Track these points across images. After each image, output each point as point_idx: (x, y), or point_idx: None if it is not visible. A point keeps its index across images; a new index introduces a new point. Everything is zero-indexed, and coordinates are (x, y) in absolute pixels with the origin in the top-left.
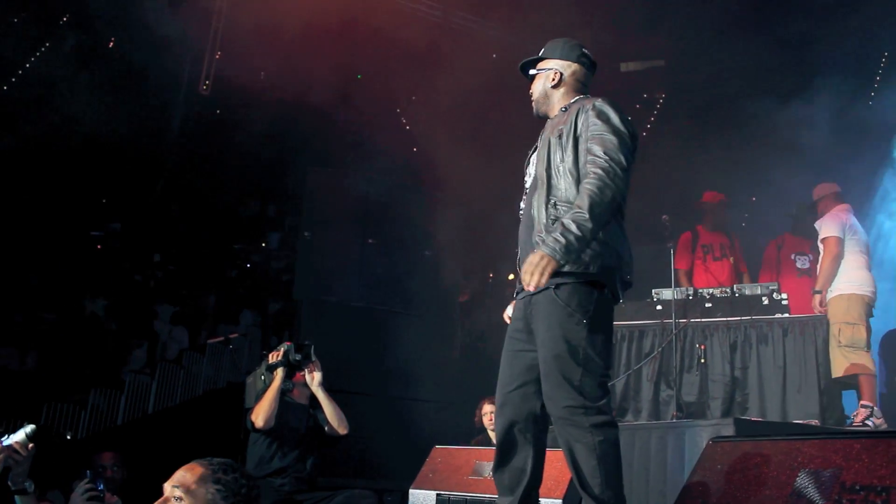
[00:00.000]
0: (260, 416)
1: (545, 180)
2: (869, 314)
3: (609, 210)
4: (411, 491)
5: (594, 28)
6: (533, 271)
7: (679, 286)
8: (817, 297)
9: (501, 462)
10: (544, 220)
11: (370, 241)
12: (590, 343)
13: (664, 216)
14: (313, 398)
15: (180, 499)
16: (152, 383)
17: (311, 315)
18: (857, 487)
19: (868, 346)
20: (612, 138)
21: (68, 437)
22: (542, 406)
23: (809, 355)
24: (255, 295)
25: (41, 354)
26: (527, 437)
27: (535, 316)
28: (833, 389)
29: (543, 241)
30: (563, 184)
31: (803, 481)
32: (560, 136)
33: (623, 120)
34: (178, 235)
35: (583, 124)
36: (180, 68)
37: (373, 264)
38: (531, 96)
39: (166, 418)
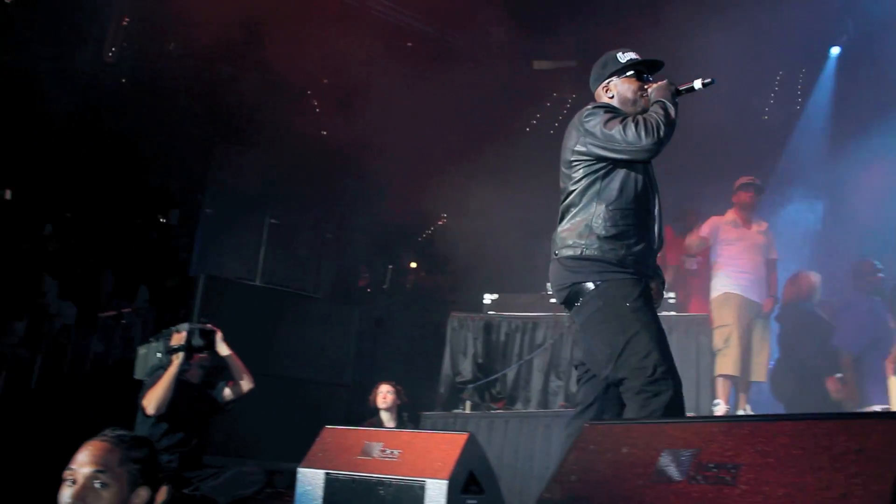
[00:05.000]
0: (153, 403)
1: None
2: None
3: None
4: (300, 469)
5: (509, 24)
6: None
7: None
8: None
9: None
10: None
11: (273, 220)
12: None
13: None
14: (205, 378)
15: (106, 484)
16: (37, 358)
17: (209, 293)
18: (712, 465)
19: None
20: None
21: None
22: None
23: (691, 352)
24: (152, 271)
25: None
26: None
27: None
28: (705, 388)
29: None
30: None
31: (666, 460)
32: None
33: None
34: (72, 207)
35: None
36: (85, 32)
37: (274, 244)
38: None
39: (51, 394)
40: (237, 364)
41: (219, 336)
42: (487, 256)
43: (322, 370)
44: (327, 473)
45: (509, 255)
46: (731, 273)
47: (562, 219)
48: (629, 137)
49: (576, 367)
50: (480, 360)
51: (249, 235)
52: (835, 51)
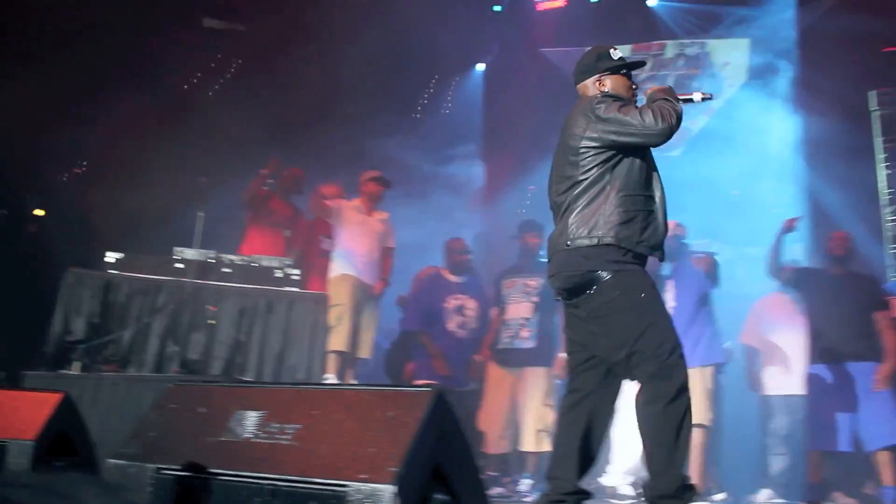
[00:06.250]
0: None
1: None
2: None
3: None
4: None
5: None
6: None
7: None
8: None
9: None
10: None
11: None
12: None
13: (202, 178)
14: None
15: None
16: None
17: None
18: (274, 425)
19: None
20: None
21: None
22: None
23: (307, 328)
24: None
25: None
26: None
27: None
28: (317, 362)
29: None
30: None
31: (236, 419)
32: None
33: None
34: None
35: None
36: None
37: None
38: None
39: None
40: None
41: None
42: (119, 213)
43: None
44: None
45: (141, 214)
46: (349, 255)
47: (568, 208)
48: (646, 122)
49: (569, 354)
50: (96, 320)
51: None
52: (480, 67)
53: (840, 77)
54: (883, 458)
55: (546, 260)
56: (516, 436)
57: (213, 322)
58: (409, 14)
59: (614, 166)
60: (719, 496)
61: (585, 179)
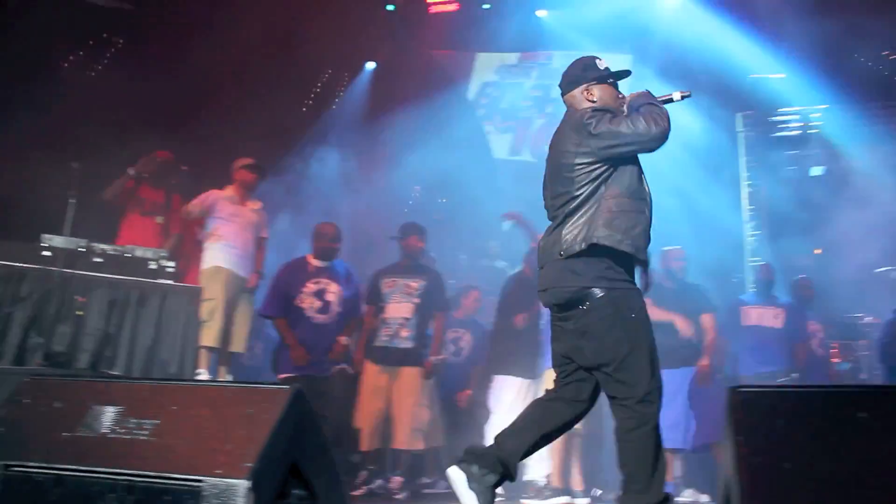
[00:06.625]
0: None
1: None
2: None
3: None
4: None
5: None
6: None
7: None
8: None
9: None
10: None
11: None
12: None
13: (75, 163)
14: None
15: None
16: None
17: None
18: (132, 420)
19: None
20: None
21: None
22: None
23: (180, 322)
24: None
25: None
26: None
27: None
28: (190, 357)
29: None
30: None
31: (93, 414)
32: None
33: None
34: None
35: None
36: None
37: None
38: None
39: None
40: None
41: None
42: None
43: None
44: None
45: (7, 198)
46: (222, 247)
47: (564, 221)
48: (639, 129)
49: (557, 367)
50: None
51: None
52: (370, 65)
53: (713, 97)
54: (718, 451)
55: (413, 260)
56: (390, 433)
57: (81, 313)
58: (303, 7)
59: (608, 178)
60: (582, 500)
61: (581, 194)
